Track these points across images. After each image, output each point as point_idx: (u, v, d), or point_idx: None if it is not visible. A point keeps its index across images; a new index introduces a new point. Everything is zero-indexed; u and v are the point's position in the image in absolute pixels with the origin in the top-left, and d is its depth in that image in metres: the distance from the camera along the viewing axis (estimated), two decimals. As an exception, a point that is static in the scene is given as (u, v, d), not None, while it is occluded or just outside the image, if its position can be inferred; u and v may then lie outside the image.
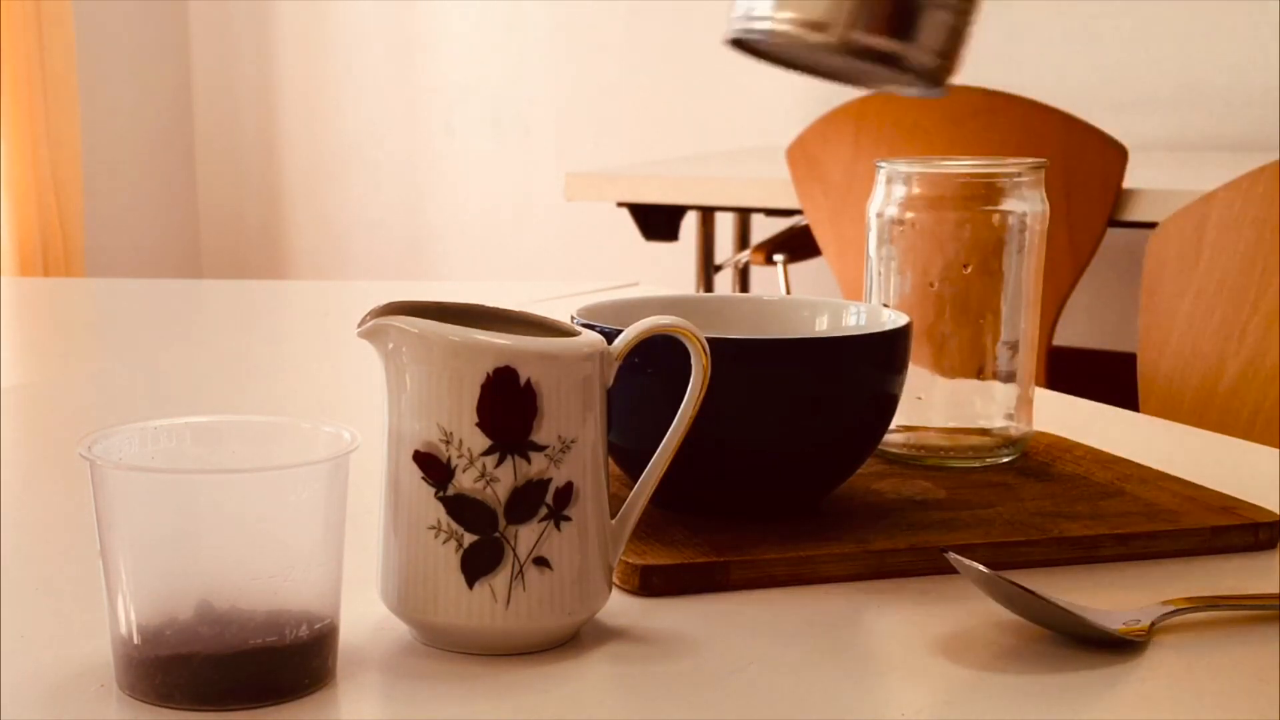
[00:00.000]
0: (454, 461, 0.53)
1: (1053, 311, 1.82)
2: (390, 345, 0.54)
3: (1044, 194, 0.79)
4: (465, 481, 0.53)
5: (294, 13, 3.58)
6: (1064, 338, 2.14)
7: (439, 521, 0.54)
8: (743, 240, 2.55)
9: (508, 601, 0.54)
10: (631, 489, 0.59)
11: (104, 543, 0.50)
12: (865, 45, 0.64)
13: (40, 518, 0.76)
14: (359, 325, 0.55)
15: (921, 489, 0.74)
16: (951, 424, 0.80)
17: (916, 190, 0.78)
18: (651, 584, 0.61)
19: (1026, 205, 0.78)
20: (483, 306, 0.58)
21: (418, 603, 0.55)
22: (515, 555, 0.54)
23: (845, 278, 1.95)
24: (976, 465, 0.79)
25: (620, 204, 2.23)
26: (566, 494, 0.54)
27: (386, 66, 3.46)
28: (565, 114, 3.21)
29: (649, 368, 0.62)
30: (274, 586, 0.50)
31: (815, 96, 2.64)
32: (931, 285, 0.78)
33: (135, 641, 0.50)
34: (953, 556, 0.57)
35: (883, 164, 0.79)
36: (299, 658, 0.51)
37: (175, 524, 0.50)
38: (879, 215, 0.79)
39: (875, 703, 0.54)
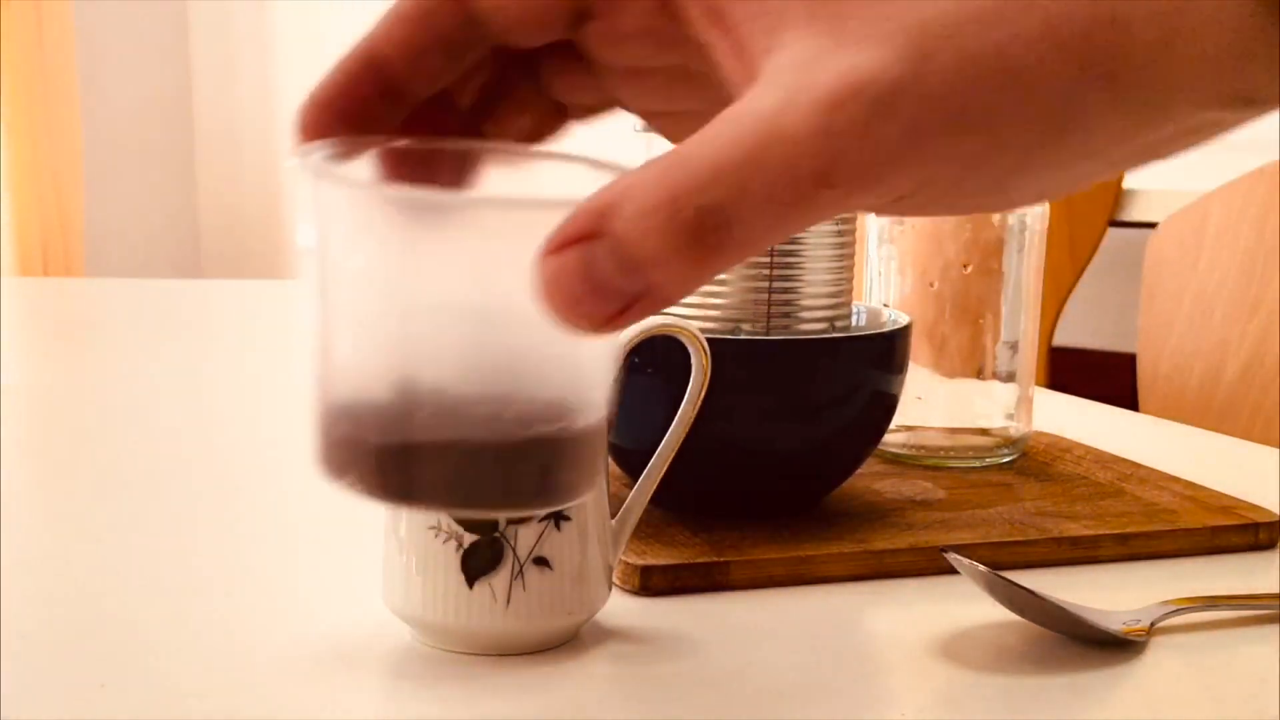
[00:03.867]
0: (454, 461, 0.53)
1: (1053, 311, 1.82)
2: (390, 345, 0.54)
3: (1044, 194, 0.79)
4: (465, 481, 0.53)
5: (294, 13, 3.59)
6: (1064, 338, 2.14)
7: (439, 521, 0.54)
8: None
9: (508, 601, 0.54)
10: (631, 489, 0.59)
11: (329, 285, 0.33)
12: None
13: (40, 518, 0.76)
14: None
15: (921, 489, 0.74)
16: (951, 424, 0.80)
17: (916, 190, 0.78)
18: (651, 584, 0.61)
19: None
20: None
21: (418, 603, 0.55)
22: (515, 555, 0.54)
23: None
24: (976, 465, 0.79)
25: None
26: (566, 494, 0.54)
27: (386, 66, 3.45)
28: (565, 114, 3.21)
29: (649, 368, 0.62)
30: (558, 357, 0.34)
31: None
32: (931, 285, 0.78)
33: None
34: (953, 556, 0.57)
35: (883, 164, 0.79)
36: (581, 450, 0.35)
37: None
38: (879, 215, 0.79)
39: (875, 703, 0.54)
